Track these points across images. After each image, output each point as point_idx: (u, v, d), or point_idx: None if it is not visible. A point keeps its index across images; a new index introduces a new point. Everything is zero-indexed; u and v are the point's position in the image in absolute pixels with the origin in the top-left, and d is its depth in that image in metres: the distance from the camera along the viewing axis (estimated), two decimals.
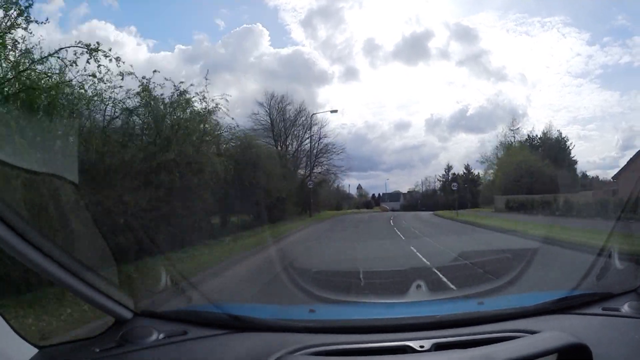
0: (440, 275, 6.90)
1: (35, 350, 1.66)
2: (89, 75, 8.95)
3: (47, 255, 1.54)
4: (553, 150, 43.73)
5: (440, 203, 60.07)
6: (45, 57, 8.53)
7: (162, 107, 11.21)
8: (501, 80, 70.99)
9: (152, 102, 10.96)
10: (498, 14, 73.46)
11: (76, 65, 8.70)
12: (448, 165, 67.66)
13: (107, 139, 9.65)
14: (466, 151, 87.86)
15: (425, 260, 8.96)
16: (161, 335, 1.88)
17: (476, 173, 65.09)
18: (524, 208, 29.54)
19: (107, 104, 9.98)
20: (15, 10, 8.06)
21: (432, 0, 65.95)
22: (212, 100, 12.34)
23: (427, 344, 1.77)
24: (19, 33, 8.15)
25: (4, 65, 7.99)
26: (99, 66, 8.93)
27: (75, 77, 8.91)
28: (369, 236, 16.84)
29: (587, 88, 60.63)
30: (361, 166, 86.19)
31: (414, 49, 71.46)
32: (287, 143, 35.16)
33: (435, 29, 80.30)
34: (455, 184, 39.74)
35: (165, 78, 11.22)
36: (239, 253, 10.63)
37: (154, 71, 10.88)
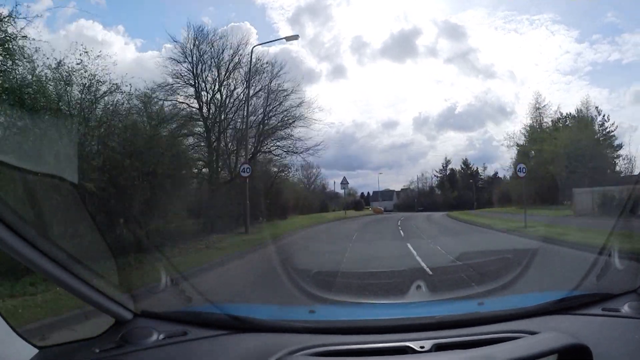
0: None
1: (35, 351, 1.66)
2: None
3: (47, 255, 1.54)
4: (593, 132, 35.51)
5: (438, 202, 59.82)
6: None
7: None
8: (490, 78, 71.82)
9: None
10: (487, 12, 74.11)
11: None
12: (446, 160, 66.95)
13: None
14: (454, 149, 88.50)
15: None
16: (161, 336, 1.88)
17: (474, 168, 64.72)
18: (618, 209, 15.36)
19: None
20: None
21: None
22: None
23: (427, 344, 1.78)
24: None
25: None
26: None
27: None
28: None
29: (576, 85, 61.51)
30: (350, 165, 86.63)
31: (402, 46, 71.89)
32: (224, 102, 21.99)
33: (424, 27, 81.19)
34: (521, 165, 20.73)
35: None
36: None
37: None
